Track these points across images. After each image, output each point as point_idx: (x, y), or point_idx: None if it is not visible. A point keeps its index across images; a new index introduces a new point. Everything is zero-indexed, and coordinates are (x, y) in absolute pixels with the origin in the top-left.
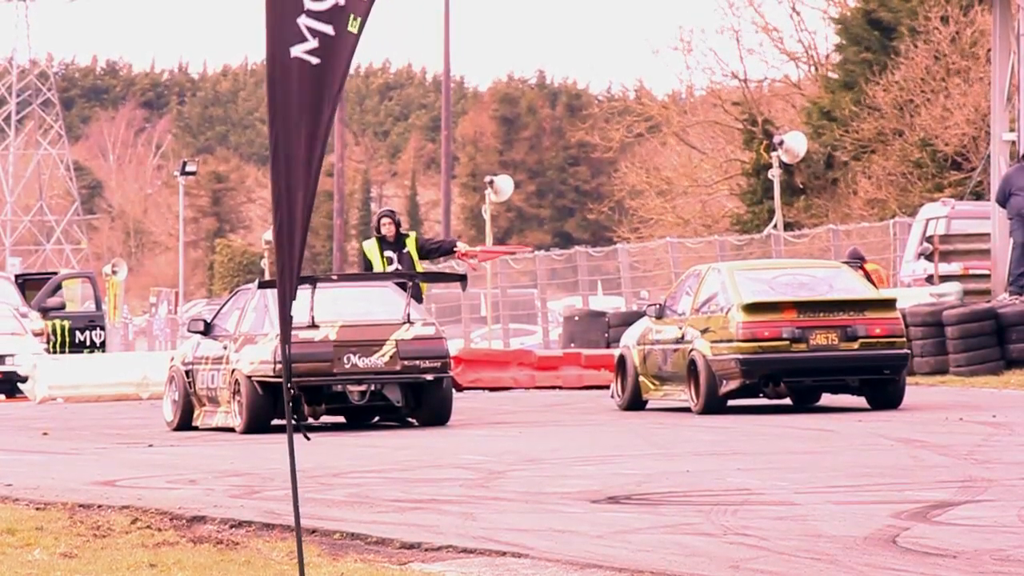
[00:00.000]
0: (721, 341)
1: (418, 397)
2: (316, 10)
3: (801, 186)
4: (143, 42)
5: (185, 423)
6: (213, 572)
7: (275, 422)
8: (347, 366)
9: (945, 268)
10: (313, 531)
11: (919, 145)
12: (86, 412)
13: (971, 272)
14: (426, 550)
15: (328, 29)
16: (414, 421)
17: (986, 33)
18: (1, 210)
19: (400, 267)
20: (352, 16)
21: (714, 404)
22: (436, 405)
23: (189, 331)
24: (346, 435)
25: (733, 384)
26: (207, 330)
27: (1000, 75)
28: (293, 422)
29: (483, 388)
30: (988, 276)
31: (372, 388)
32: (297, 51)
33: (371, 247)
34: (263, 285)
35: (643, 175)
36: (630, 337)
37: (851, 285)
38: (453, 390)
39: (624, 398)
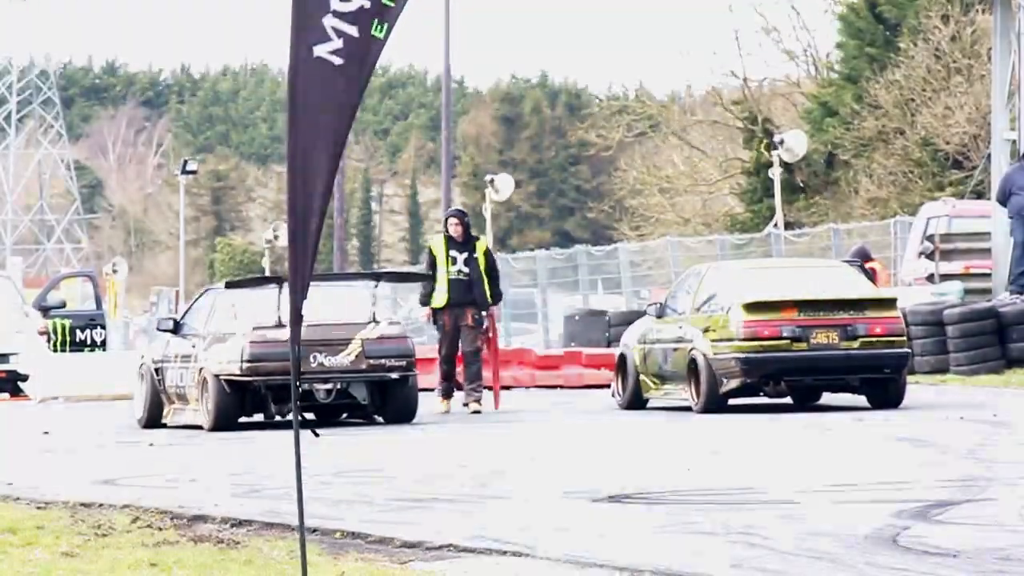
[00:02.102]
0: (722, 340)
1: (384, 395)
2: (342, 11)
3: (802, 185)
4: (143, 41)
5: (154, 420)
6: (214, 571)
7: (242, 419)
8: (314, 365)
9: (946, 267)
10: (314, 530)
11: (920, 144)
12: (87, 411)
13: (972, 271)
14: (427, 549)
15: (353, 31)
16: (380, 419)
17: (987, 31)
18: (2, 209)
19: (465, 268)
20: (377, 20)
21: (715, 403)
22: (401, 402)
23: (158, 329)
24: (346, 434)
25: (734, 383)
26: (176, 329)
27: (1000, 74)
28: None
29: (483, 387)
30: (989, 275)
31: (338, 386)
32: (320, 50)
33: (438, 244)
34: (230, 285)
35: (643, 174)
36: (631, 336)
37: (852, 284)
38: (417, 389)
39: (625, 397)
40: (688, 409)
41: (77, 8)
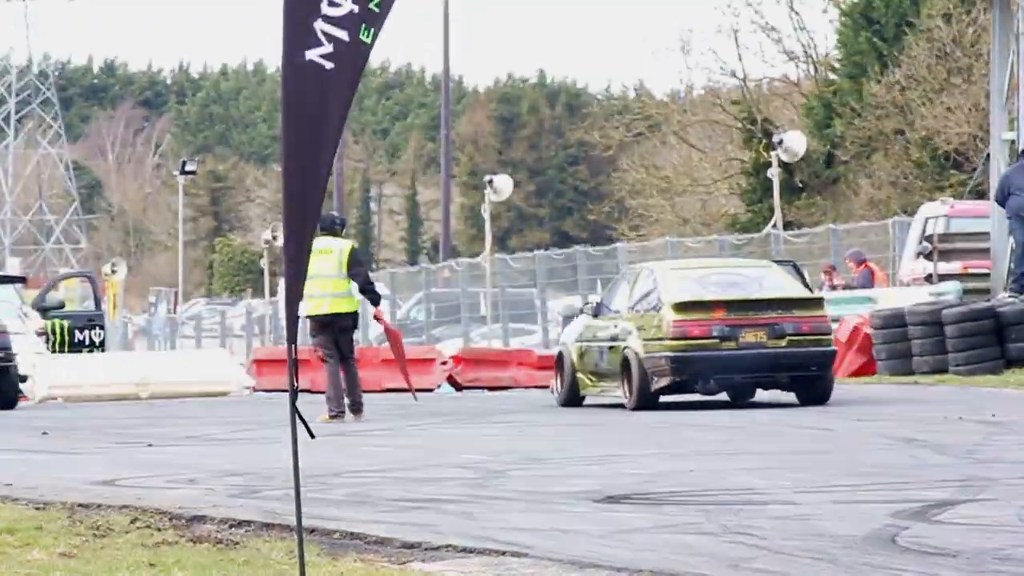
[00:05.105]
0: (653, 339)
1: None
2: (332, 15)
3: (801, 185)
4: (141, 41)
5: None
6: (213, 572)
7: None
8: None
9: (944, 267)
10: (313, 530)
11: (920, 144)
12: (86, 411)
13: (970, 271)
14: (426, 550)
15: (343, 35)
16: None
17: (988, 30)
18: (0, 210)
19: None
20: (364, 25)
21: (646, 400)
22: (4, 390)
23: None
24: (346, 434)
25: (664, 381)
26: None
27: (999, 74)
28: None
29: (483, 387)
30: (987, 275)
31: None
32: (312, 54)
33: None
34: None
35: (642, 174)
36: (569, 335)
37: (780, 284)
38: (16, 379)
39: (562, 394)
40: (623, 406)
41: (76, 8)
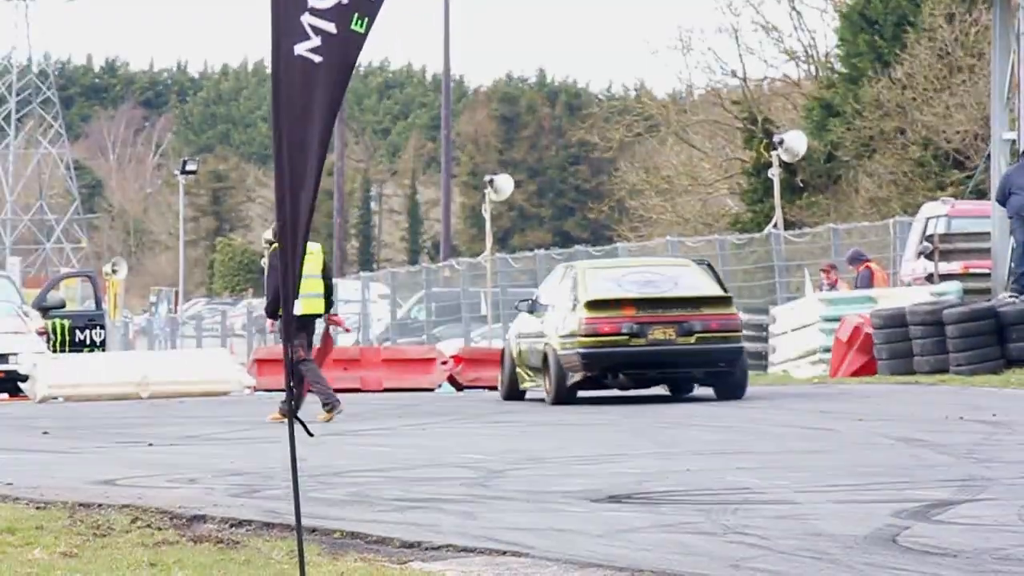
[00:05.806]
0: (568, 336)
1: None
2: (320, 8)
3: (801, 185)
4: (142, 41)
5: None
6: (213, 571)
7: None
8: None
9: (945, 267)
10: (313, 530)
11: (921, 144)
12: (86, 411)
13: (971, 271)
14: (426, 549)
15: (331, 27)
16: None
17: (990, 29)
18: (1, 209)
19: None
20: (357, 15)
21: (563, 395)
22: None
23: None
24: (346, 433)
25: (577, 376)
26: None
27: (1000, 74)
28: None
29: (483, 387)
30: (988, 275)
31: None
32: (300, 49)
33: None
34: None
35: (643, 174)
36: (512, 331)
37: (693, 283)
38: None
39: (503, 388)
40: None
41: (77, 8)
